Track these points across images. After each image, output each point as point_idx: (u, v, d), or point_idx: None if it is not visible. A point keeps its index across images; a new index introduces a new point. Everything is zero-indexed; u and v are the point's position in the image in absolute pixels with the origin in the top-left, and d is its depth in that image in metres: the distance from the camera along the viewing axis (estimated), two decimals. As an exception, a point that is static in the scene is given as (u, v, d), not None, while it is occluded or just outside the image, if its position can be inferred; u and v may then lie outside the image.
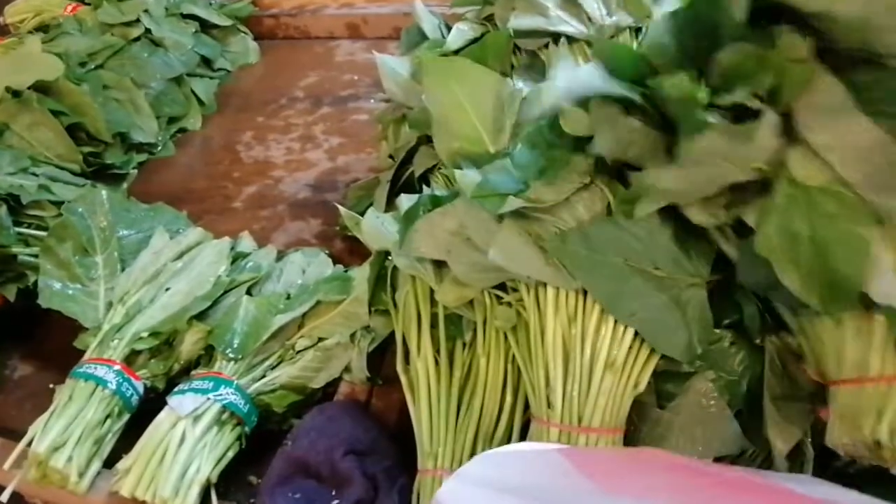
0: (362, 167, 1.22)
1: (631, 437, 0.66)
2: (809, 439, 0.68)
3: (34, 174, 1.13)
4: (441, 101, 0.68)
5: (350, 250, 1.06)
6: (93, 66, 1.34)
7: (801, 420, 0.63)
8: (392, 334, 0.84)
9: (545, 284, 0.64)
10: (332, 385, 0.86)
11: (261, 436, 0.83)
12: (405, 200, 0.81)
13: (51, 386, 1.00)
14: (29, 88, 1.23)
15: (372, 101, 1.39)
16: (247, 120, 1.41)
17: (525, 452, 0.53)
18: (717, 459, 0.68)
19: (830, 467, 0.70)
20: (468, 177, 0.61)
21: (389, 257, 0.81)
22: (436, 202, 0.68)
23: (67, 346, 1.05)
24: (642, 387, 0.63)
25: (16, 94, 1.23)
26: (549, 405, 0.63)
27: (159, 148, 1.35)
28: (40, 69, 1.25)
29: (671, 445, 0.65)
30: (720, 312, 0.67)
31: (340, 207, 0.87)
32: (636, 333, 0.61)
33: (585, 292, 0.62)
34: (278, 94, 1.46)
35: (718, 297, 0.66)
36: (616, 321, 0.61)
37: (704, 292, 0.62)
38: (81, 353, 0.92)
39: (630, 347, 0.58)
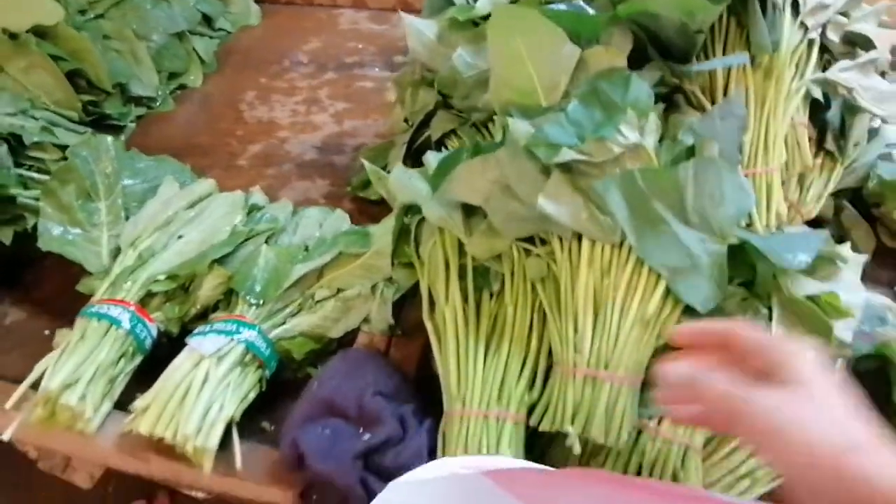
0: (369, 132, 1.23)
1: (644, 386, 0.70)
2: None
3: (34, 117, 1.10)
4: (502, 51, 0.71)
5: (359, 210, 1.07)
6: (93, 16, 1.31)
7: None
8: (410, 288, 0.86)
9: (580, 238, 0.67)
10: (349, 336, 0.87)
11: (275, 384, 0.84)
12: (432, 157, 0.83)
13: (46, 332, 0.99)
14: (27, 32, 1.19)
15: (377, 69, 1.39)
16: (248, 80, 1.40)
17: (443, 478, 0.51)
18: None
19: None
20: (521, 127, 0.64)
21: (408, 216, 0.83)
22: (477, 151, 0.70)
23: (61, 293, 1.04)
24: (664, 338, 0.67)
25: (12, 36, 1.19)
26: (576, 351, 0.66)
27: (158, 102, 1.33)
28: (40, 12, 1.21)
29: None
30: (734, 271, 0.72)
31: (366, 162, 0.88)
32: (666, 288, 0.65)
33: (620, 246, 0.66)
34: (281, 57, 1.46)
35: (736, 256, 0.71)
36: (648, 276, 0.64)
37: (725, 249, 0.66)
38: (77, 299, 0.91)
39: (660, 301, 0.62)
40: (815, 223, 0.93)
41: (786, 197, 0.88)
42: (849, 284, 0.75)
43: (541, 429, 0.66)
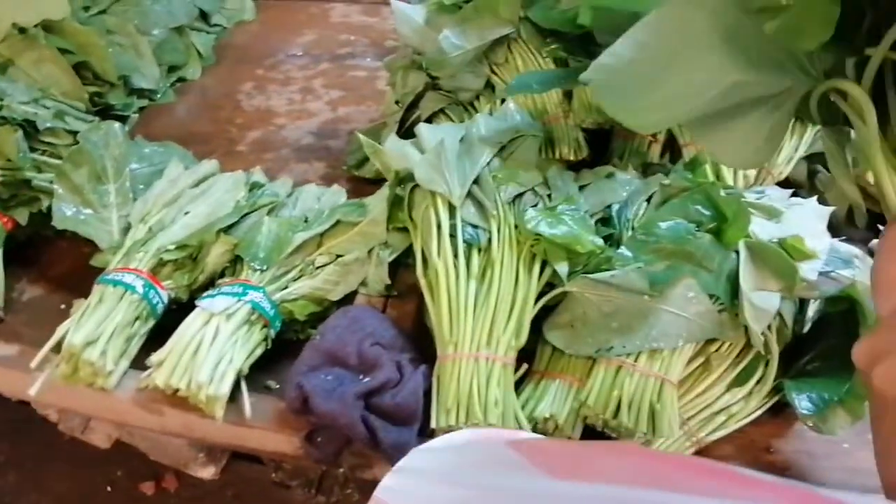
0: (363, 118, 1.29)
1: (625, 326, 0.76)
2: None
3: (45, 106, 1.16)
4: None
5: (355, 189, 1.12)
6: (96, 11, 1.37)
7: (771, 307, 0.75)
8: (405, 252, 0.92)
9: None
10: (348, 299, 0.93)
11: (279, 345, 0.89)
12: (424, 129, 0.89)
13: (62, 306, 1.05)
14: (36, 27, 1.25)
15: (369, 59, 1.46)
16: (246, 72, 1.46)
17: (466, 445, 0.51)
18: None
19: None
20: None
21: (401, 185, 0.89)
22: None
23: (74, 271, 1.10)
24: None
25: (21, 30, 1.25)
26: None
27: (159, 95, 1.39)
28: (47, 8, 1.27)
29: (661, 331, 0.75)
30: (699, 218, 0.78)
31: (360, 136, 0.94)
32: None
33: None
34: (276, 50, 1.52)
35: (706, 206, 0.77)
36: None
37: None
38: (89, 276, 0.94)
39: None
40: (788, 185, 0.99)
41: (754, 160, 0.94)
42: (814, 231, 0.81)
43: None
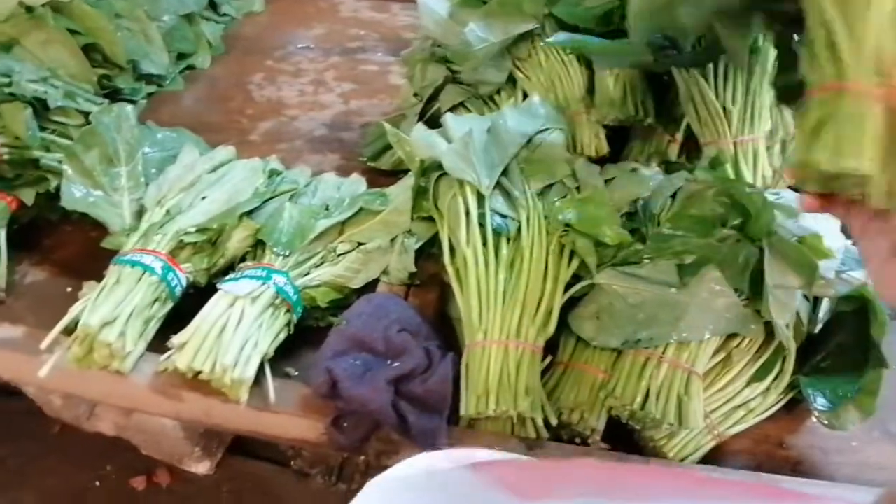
0: (376, 111, 1.28)
1: (652, 318, 0.76)
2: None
3: (54, 86, 1.13)
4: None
5: (371, 181, 1.11)
6: (106, -5, 1.35)
7: (793, 302, 0.76)
8: (426, 242, 0.92)
9: None
10: (369, 288, 0.92)
11: (298, 333, 0.88)
12: (451, 119, 0.89)
13: (68, 289, 1.02)
14: (43, 6, 1.23)
15: (380, 54, 1.46)
16: (255, 63, 1.45)
17: (429, 474, 0.50)
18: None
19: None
20: None
21: (425, 175, 0.89)
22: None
23: (80, 255, 1.08)
24: None
25: (29, 10, 1.23)
26: None
27: (168, 82, 1.37)
28: (56, -13, 1.25)
29: (688, 323, 0.76)
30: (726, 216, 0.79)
31: (386, 125, 0.94)
32: None
33: None
34: (286, 42, 1.51)
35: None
36: None
37: None
38: (97, 261, 0.94)
39: None
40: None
41: (770, 163, 0.97)
42: (830, 232, 0.83)
43: None
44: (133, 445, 1.12)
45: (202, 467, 1.14)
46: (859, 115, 0.47)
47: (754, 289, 0.78)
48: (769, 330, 0.81)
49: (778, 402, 0.84)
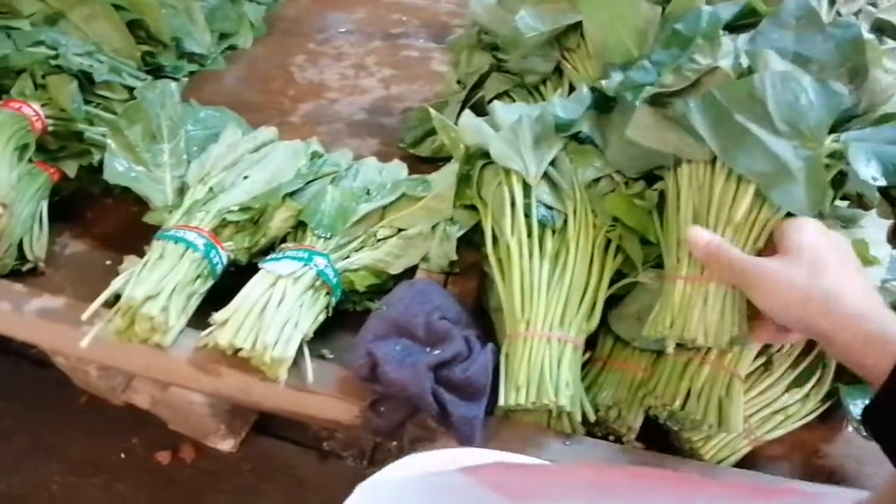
0: (416, 97, 1.28)
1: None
2: None
3: (100, 60, 1.14)
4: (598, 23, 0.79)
5: (410, 167, 1.11)
6: (150, -27, 1.35)
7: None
8: (468, 230, 0.91)
9: (681, 163, 0.72)
10: (408, 274, 0.92)
11: (335, 316, 0.88)
12: (500, 107, 0.89)
13: (107, 262, 1.03)
14: (89, -17, 1.24)
15: (422, 40, 1.45)
16: (297, 45, 1.45)
17: (420, 477, 0.50)
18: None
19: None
20: (615, 77, 0.71)
21: (469, 163, 0.88)
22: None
23: (121, 230, 1.09)
24: (761, 243, 0.69)
25: (74, -16, 1.24)
26: (678, 261, 0.71)
27: (209, 61, 1.38)
28: (102, -37, 1.25)
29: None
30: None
31: (432, 110, 0.93)
32: (756, 193, 0.67)
33: (713, 162, 0.69)
34: (327, 25, 1.51)
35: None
36: (738, 184, 0.67)
37: (820, 153, 0.65)
38: (137, 236, 0.95)
39: (749, 208, 0.66)
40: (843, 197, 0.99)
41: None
42: (875, 241, 0.82)
43: (644, 334, 0.72)
44: (159, 420, 1.13)
45: (226, 445, 1.15)
46: None
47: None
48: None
49: (816, 410, 0.83)
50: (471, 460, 0.55)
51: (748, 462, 0.79)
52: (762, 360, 0.81)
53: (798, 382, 0.82)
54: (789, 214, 0.67)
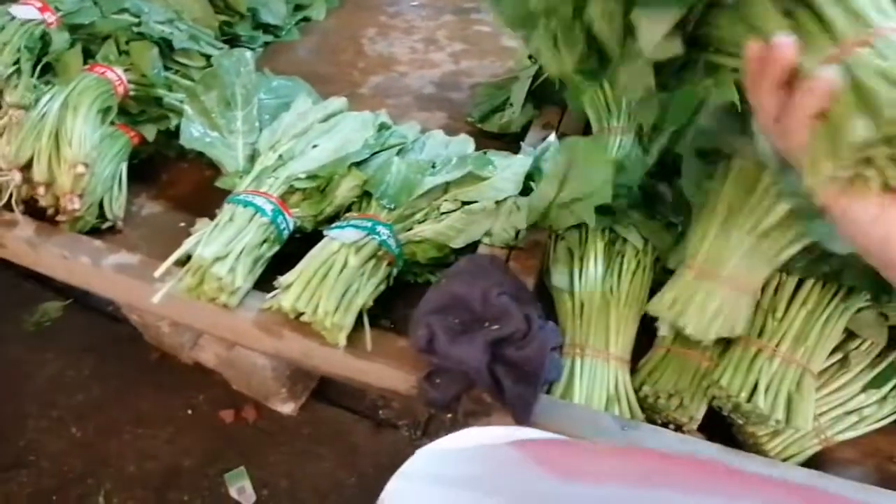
0: (485, 73, 1.27)
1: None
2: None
3: (179, 28, 1.18)
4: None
5: (476, 143, 1.11)
6: (229, -57, 1.38)
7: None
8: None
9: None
10: (468, 249, 0.91)
11: (395, 287, 0.89)
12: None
13: (181, 224, 1.07)
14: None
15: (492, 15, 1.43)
16: (369, 17, 1.46)
17: (472, 447, 0.50)
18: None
19: None
20: None
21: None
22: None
23: (196, 193, 1.12)
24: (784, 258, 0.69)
25: (155, -46, 1.27)
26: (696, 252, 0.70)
27: (284, 32, 1.40)
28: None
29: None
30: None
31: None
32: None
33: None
34: (399, -1, 1.52)
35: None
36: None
37: None
38: (210, 199, 0.97)
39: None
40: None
41: None
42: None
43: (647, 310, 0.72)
44: (224, 380, 1.18)
45: (287, 408, 1.18)
46: None
47: (879, 291, 0.72)
48: (893, 335, 0.76)
49: (893, 414, 0.78)
50: (525, 436, 0.55)
51: (816, 463, 0.75)
52: (838, 356, 0.77)
53: (876, 383, 0.77)
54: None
